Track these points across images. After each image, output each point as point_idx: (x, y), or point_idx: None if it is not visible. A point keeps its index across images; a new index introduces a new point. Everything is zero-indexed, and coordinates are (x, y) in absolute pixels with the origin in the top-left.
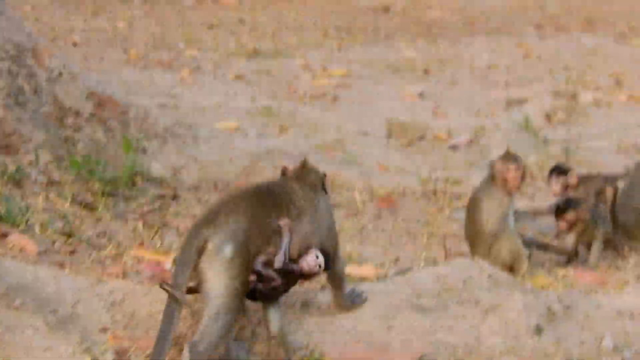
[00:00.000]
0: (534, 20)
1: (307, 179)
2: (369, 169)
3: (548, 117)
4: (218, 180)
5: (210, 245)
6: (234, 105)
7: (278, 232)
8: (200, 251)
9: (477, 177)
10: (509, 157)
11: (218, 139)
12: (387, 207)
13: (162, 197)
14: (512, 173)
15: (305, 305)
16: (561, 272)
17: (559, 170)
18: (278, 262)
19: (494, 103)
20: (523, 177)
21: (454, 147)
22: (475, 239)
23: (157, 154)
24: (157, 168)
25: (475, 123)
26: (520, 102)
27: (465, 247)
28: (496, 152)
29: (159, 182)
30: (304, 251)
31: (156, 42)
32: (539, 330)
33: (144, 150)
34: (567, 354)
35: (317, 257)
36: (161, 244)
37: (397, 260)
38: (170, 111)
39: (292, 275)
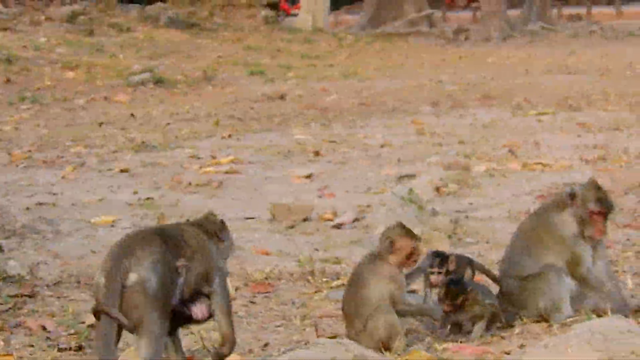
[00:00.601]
0: (431, 98)
1: (204, 226)
2: (246, 254)
3: (437, 189)
4: (81, 274)
5: (133, 277)
6: (115, 198)
7: (175, 272)
8: (123, 282)
9: (359, 255)
10: (408, 231)
11: (81, 232)
12: (262, 292)
13: (18, 296)
14: (412, 248)
15: None
16: (441, 346)
17: (440, 258)
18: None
19: (384, 180)
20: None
21: (338, 226)
22: (354, 314)
23: (14, 251)
24: (13, 266)
25: (362, 201)
26: (410, 177)
27: (340, 328)
28: (381, 228)
29: (16, 280)
30: (194, 295)
31: (42, 142)
32: None
33: (1, 248)
34: None
35: (208, 307)
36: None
37: (266, 345)
38: (47, 208)
39: (180, 316)
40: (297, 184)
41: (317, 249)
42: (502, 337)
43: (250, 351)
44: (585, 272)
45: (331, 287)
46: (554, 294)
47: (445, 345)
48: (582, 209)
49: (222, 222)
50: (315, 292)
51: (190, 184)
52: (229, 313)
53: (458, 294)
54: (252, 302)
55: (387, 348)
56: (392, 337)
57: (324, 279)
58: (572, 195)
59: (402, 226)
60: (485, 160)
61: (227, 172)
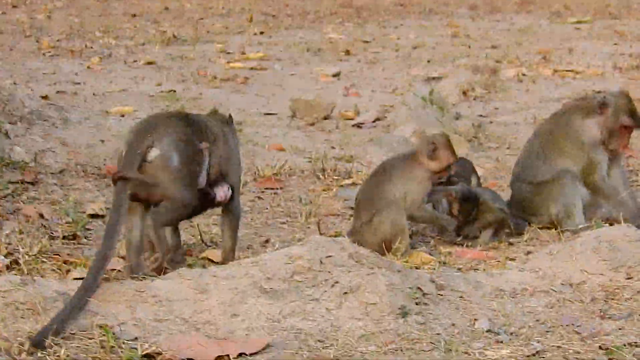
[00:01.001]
0: (469, 1)
1: (217, 116)
2: (259, 150)
3: (464, 92)
4: (88, 164)
5: (155, 152)
6: (137, 90)
7: (200, 153)
8: (145, 156)
9: (374, 153)
10: (452, 145)
11: (90, 121)
12: (270, 188)
13: (19, 182)
14: (451, 162)
15: (139, 292)
16: (445, 249)
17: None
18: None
19: (411, 81)
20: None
21: (359, 125)
22: (366, 205)
23: (20, 137)
24: (19, 152)
25: (386, 101)
26: (438, 79)
27: (345, 226)
28: (402, 129)
29: (20, 167)
30: (217, 177)
31: (72, 32)
32: (404, 312)
33: (7, 134)
34: (434, 338)
35: (228, 188)
36: None
37: (266, 242)
38: (66, 97)
39: (206, 199)
40: (324, 82)
41: (333, 147)
42: (510, 244)
43: (249, 247)
44: (599, 180)
45: (341, 185)
46: (567, 200)
47: (449, 249)
48: (612, 119)
49: (229, 115)
50: (324, 189)
51: (215, 78)
52: (235, 228)
53: (472, 208)
54: (259, 197)
55: (389, 248)
56: (395, 237)
57: (335, 177)
58: (603, 104)
59: (448, 137)
60: (515, 65)
61: (253, 68)
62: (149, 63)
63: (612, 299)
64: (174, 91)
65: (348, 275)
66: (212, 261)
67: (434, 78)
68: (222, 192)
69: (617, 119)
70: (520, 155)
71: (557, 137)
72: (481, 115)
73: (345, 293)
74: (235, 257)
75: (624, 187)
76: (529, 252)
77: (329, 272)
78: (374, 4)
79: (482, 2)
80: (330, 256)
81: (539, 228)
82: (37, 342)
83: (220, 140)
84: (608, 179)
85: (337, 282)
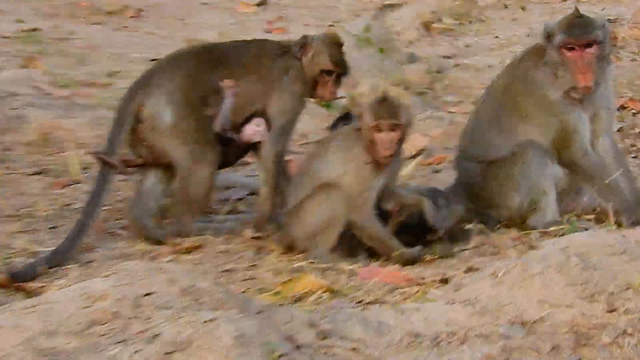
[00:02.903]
0: None
1: (269, 45)
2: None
3: (427, 25)
4: None
5: (146, 112)
6: None
7: (214, 95)
8: (138, 117)
9: None
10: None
11: None
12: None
13: None
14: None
15: None
16: (346, 265)
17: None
18: (218, 125)
19: (361, 11)
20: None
21: None
22: (295, 187)
23: None
24: None
25: None
26: (395, 7)
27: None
28: None
29: None
30: (248, 117)
31: None
32: None
33: None
34: None
35: (258, 125)
36: None
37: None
38: None
39: (233, 144)
40: (243, 14)
41: None
42: (445, 256)
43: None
44: (579, 154)
45: None
46: (532, 185)
47: (352, 266)
48: (554, 49)
49: (299, 42)
50: None
51: (98, 10)
52: (269, 182)
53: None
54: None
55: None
56: (325, 232)
57: None
58: (547, 35)
59: (386, 99)
60: None
61: None
62: None
63: (586, 345)
64: (39, 30)
65: (176, 323)
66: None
67: (391, 5)
68: (249, 130)
69: (554, 42)
70: (468, 122)
71: (515, 96)
72: (446, 57)
73: (169, 353)
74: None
75: (616, 163)
76: (469, 270)
77: (148, 319)
78: None
79: None
80: (150, 293)
81: (496, 227)
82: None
83: (257, 74)
84: (592, 152)
85: (157, 336)
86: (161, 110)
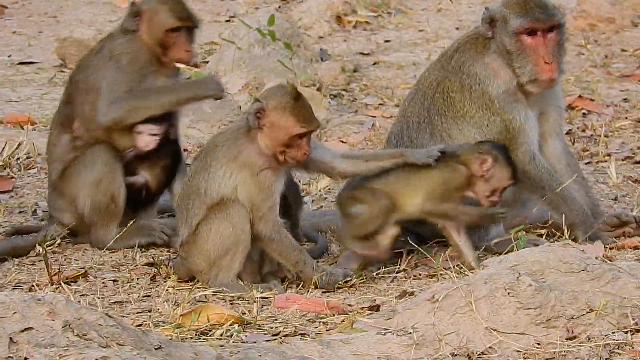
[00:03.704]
0: None
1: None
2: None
3: (339, 18)
4: None
5: None
6: None
7: None
8: None
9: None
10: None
11: None
12: None
13: None
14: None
15: None
16: (260, 292)
17: None
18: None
19: (263, 3)
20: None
21: None
22: (183, 212)
23: None
24: None
25: (210, 36)
26: None
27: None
28: (227, 82)
29: None
30: None
31: None
32: None
33: None
34: None
35: (150, 132)
36: None
37: None
38: None
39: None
40: (123, 10)
41: None
42: (374, 278)
43: None
44: (525, 160)
45: None
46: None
47: (265, 293)
48: (507, 36)
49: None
50: None
51: None
52: None
53: None
54: None
55: (205, 274)
56: (224, 256)
57: None
58: (490, 20)
59: (297, 94)
60: None
61: None
62: None
63: None
64: None
65: None
66: None
67: None
68: (142, 142)
69: (505, 27)
70: (393, 126)
71: (450, 91)
72: (363, 54)
73: None
74: None
75: (568, 169)
76: (403, 294)
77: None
78: None
79: None
80: (28, 329)
81: (430, 245)
82: None
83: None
84: (541, 157)
85: None
86: None
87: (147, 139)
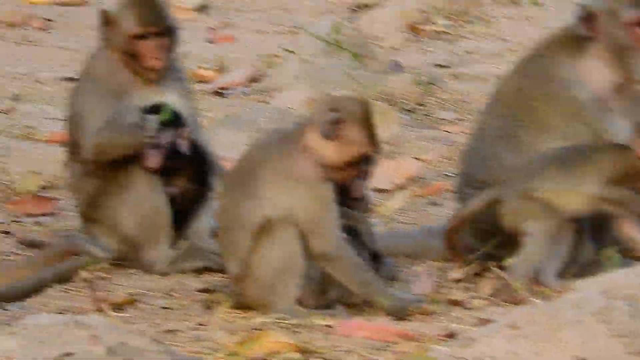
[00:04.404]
0: None
1: None
2: (33, 147)
3: (413, 28)
4: None
5: None
6: None
7: None
8: None
9: (236, 143)
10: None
11: None
12: (32, 213)
13: None
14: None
15: None
16: (322, 320)
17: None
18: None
19: (327, 12)
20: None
21: (220, 92)
22: (227, 240)
23: None
24: None
25: (273, 48)
26: (371, 6)
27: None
28: (287, 95)
29: None
30: None
31: None
32: None
33: None
34: None
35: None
36: None
37: None
38: None
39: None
40: (178, 21)
41: None
42: (455, 302)
43: None
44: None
45: None
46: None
47: (328, 320)
48: (612, 29)
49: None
50: None
51: None
52: None
53: None
54: (6, 232)
55: (263, 304)
56: (279, 283)
57: None
58: (589, 17)
59: (367, 105)
60: None
61: (65, 4)
62: None
63: None
64: None
65: None
66: None
67: (367, 6)
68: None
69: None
70: (470, 141)
71: (531, 101)
72: (440, 65)
73: None
74: None
75: None
76: (481, 322)
77: None
78: None
79: None
80: (69, 354)
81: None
82: None
83: None
84: None
85: None
86: None
87: (152, 154)
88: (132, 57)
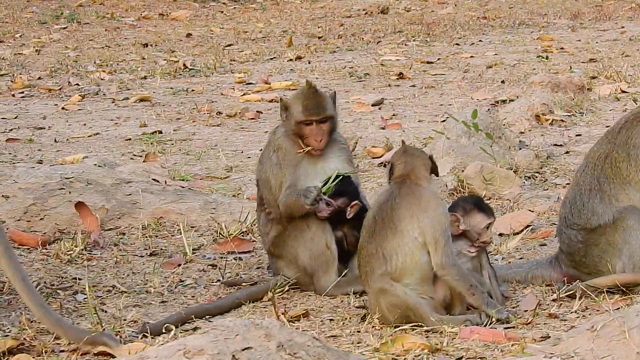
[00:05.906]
0: (572, 9)
1: None
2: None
3: (538, 116)
4: None
5: None
6: (114, 134)
7: None
8: None
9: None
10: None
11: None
12: (233, 251)
13: None
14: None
15: None
16: (446, 327)
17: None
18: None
19: (476, 107)
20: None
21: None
22: (367, 269)
23: None
24: None
25: (429, 132)
26: (507, 101)
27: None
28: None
29: None
30: None
31: (61, 67)
32: None
33: None
34: None
35: None
36: None
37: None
38: (18, 145)
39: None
40: (359, 113)
41: None
42: (552, 315)
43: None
44: None
45: None
46: (635, 251)
47: (455, 328)
48: None
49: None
50: None
51: (219, 114)
52: None
53: None
54: (212, 265)
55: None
56: (413, 313)
57: None
58: None
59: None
60: (615, 80)
61: (273, 100)
62: (143, 100)
63: None
64: (160, 132)
65: None
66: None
67: (503, 102)
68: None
69: None
70: (568, 191)
71: (617, 162)
72: (556, 145)
73: None
74: None
75: None
76: (570, 329)
77: None
78: (449, 19)
79: (590, 8)
80: (248, 348)
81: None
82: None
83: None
84: None
85: None
86: None
87: (322, 208)
88: (300, 137)
